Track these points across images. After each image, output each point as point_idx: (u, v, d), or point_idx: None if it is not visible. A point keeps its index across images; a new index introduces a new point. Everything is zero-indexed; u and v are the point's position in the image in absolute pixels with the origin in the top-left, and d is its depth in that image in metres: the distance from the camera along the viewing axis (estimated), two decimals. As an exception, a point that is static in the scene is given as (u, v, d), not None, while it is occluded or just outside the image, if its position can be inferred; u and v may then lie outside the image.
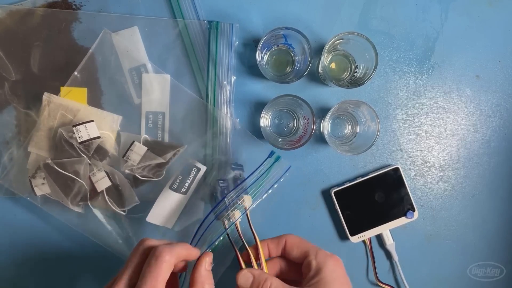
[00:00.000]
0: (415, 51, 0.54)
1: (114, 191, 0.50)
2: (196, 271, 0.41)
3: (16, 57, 0.50)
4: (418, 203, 0.54)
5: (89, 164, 0.49)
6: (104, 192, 0.49)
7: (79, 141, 0.48)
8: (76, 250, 0.52)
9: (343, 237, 0.54)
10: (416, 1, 0.54)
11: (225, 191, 0.47)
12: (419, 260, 0.54)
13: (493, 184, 0.55)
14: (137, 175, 0.50)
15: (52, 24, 0.50)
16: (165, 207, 0.50)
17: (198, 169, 0.49)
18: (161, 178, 0.50)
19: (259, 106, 0.52)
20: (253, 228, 0.44)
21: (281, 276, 0.44)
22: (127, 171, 0.50)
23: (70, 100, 0.50)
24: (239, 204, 0.45)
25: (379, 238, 0.54)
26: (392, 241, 0.53)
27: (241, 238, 0.44)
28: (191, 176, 0.49)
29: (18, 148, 0.50)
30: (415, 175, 0.54)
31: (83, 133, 0.48)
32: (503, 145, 0.55)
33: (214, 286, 0.41)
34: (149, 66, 0.51)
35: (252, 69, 0.52)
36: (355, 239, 0.52)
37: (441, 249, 0.55)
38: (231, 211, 0.44)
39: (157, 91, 0.51)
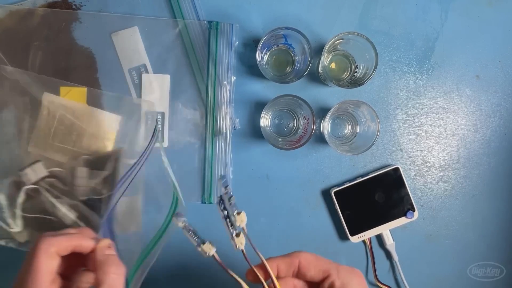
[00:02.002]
0: (415, 51, 0.54)
1: (82, 221, 0.49)
2: (94, 260, 0.36)
3: (16, 57, 0.50)
4: (418, 203, 0.54)
5: (49, 201, 0.48)
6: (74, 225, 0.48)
7: (28, 184, 0.47)
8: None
9: (343, 237, 0.54)
10: (416, 1, 0.54)
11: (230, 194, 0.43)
12: (419, 260, 0.54)
13: (493, 184, 0.55)
14: (94, 197, 0.49)
15: (52, 24, 0.50)
16: (124, 213, 0.49)
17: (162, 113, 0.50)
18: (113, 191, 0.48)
19: (259, 106, 0.52)
20: (255, 248, 0.40)
21: None
22: (82, 198, 0.48)
23: (69, 100, 0.50)
24: (236, 227, 0.40)
25: (379, 238, 0.54)
26: (392, 241, 0.53)
27: (248, 262, 0.40)
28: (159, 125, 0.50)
29: (18, 148, 0.50)
30: (415, 175, 0.54)
31: (31, 175, 0.48)
32: (503, 145, 0.55)
33: (123, 268, 0.37)
34: (149, 66, 0.51)
35: (252, 69, 0.52)
36: (355, 239, 0.52)
37: (441, 249, 0.55)
38: (235, 237, 0.40)
39: (156, 91, 0.51)
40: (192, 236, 0.41)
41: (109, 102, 0.51)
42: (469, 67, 0.54)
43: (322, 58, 0.48)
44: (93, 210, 0.49)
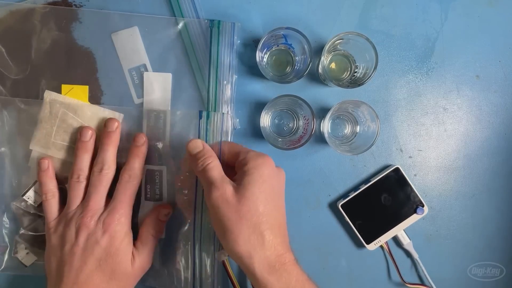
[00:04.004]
0: (415, 51, 0.54)
1: None
2: (147, 217, 0.48)
3: (17, 55, 0.50)
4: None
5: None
6: None
7: (35, 205, 0.49)
8: None
9: (359, 244, 0.53)
10: (416, 1, 0.54)
11: None
12: (419, 260, 0.54)
13: (493, 184, 0.55)
14: None
15: (52, 23, 0.50)
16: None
17: (160, 171, 0.50)
18: None
19: (259, 106, 0.52)
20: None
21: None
22: None
23: (71, 98, 0.50)
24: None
25: (395, 239, 0.54)
26: (409, 240, 0.53)
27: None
28: (157, 181, 0.50)
29: (20, 146, 0.50)
30: (415, 175, 0.54)
31: (36, 197, 0.49)
32: (503, 145, 0.55)
33: (160, 235, 0.49)
34: (149, 66, 0.51)
35: (252, 69, 0.52)
36: (372, 246, 0.52)
37: (441, 249, 0.55)
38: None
39: (158, 89, 0.51)
40: None
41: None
42: (469, 67, 0.54)
43: (322, 58, 0.48)
44: None
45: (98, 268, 0.43)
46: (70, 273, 0.43)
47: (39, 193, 0.49)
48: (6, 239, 0.50)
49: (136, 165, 0.47)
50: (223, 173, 0.43)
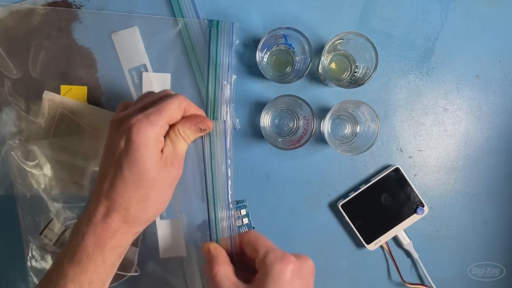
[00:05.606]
0: (415, 51, 0.54)
1: None
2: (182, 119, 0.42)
3: (17, 55, 0.50)
4: (418, 203, 0.54)
5: None
6: None
7: (52, 243, 0.49)
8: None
9: (359, 244, 0.54)
10: (416, 1, 0.54)
11: None
12: (419, 260, 0.54)
13: (493, 184, 0.55)
14: None
15: (52, 23, 0.50)
16: (169, 237, 0.51)
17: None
18: None
19: (259, 106, 0.52)
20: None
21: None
22: None
23: (70, 98, 0.50)
24: None
25: (395, 239, 0.54)
26: (409, 240, 0.53)
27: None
28: None
29: (18, 146, 0.50)
30: (415, 175, 0.54)
31: (52, 235, 0.49)
32: (503, 145, 0.55)
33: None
34: (149, 66, 0.51)
35: (252, 69, 0.52)
36: (372, 246, 0.52)
37: (441, 249, 0.55)
38: None
39: (157, 90, 0.51)
40: None
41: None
42: (469, 67, 0.54)
43: (322, 58, 0.48)
44: None
45: (119, 172, 0.38)
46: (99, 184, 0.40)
47: (53, 230, 0.49)
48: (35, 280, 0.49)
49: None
50: (234, 279, 0.40)
